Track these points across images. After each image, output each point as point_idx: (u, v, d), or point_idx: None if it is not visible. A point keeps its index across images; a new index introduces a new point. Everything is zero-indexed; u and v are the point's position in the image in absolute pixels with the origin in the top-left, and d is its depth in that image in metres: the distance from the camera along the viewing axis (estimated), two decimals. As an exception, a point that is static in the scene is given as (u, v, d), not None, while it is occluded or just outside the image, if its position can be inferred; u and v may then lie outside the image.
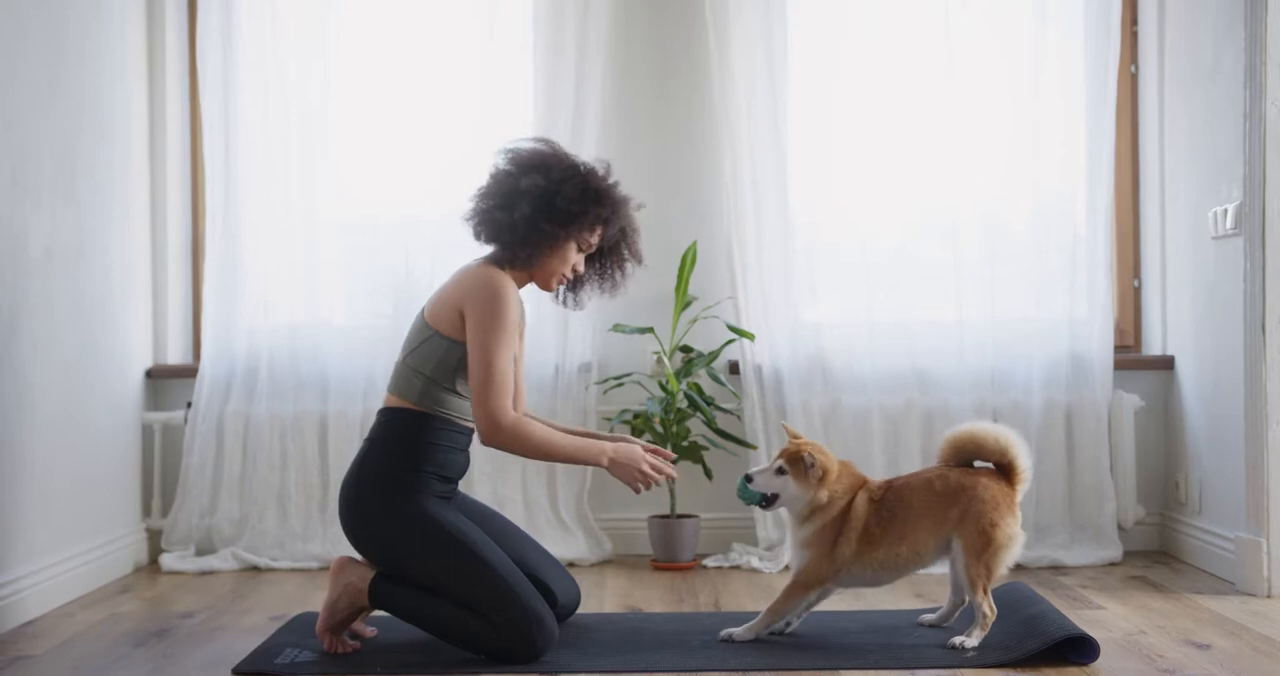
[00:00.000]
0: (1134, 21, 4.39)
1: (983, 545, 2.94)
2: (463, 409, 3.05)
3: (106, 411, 4.04)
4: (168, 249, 4.40)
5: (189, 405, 4.31)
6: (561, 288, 3.20)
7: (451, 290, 3.04)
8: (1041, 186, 4.27)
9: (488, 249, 3.13)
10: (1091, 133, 4.23)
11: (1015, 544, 2.97)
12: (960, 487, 2.98)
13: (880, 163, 4.30)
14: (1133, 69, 4.41)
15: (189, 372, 4.34)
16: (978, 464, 3.07)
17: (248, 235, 4.31)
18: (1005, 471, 3.02)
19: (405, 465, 2.99)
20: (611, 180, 3.11)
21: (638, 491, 3.06)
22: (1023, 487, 3.03)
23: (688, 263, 4.17)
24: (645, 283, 4.23)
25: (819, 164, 4.30)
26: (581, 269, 3.13)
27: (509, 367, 2.96)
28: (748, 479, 3.05)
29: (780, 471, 3.03)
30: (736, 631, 3.04)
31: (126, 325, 4.19)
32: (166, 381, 4.40)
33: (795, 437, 3.10)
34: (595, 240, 3.10)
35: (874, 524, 3.00)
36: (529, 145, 3.11)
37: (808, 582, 3.02)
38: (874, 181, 4.29)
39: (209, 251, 4.33)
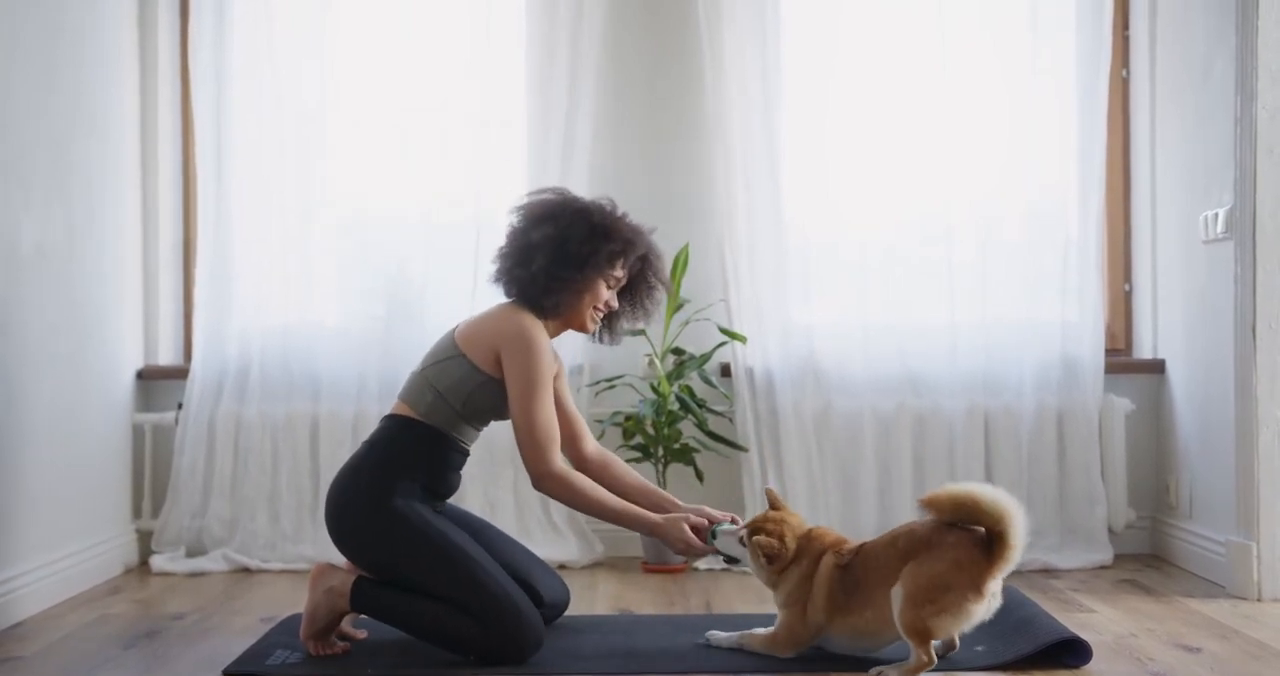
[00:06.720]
0: (1125, 26, 4.40)
1: (924, 600, 2.61)
2: (465, 432, 3.07)
3: (97, 412, 4.03)
4: (159, 249, 4.39)
5: (180, 406, 4.30)
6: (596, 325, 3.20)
7: (488, 327, 3.04)
8: (1034, 189, 4.28)
9: None
10: (1083, 136, 4.24)
11: (963, 618, 2.63)
12: (925, 544, 2.68)
13: (873, 165, 4.30)
14: (1124, 73, 4.42)
15: (180, 373, 4.33)
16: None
17: (239, 235, 4.30)
18: (992, 541, 2.65)
19: (399, 474, 2.99)
20: (619, 213, 3.11)
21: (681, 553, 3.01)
22: (1005, 567, 2.64)
23: (680, 265, 4.17)
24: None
25: (812, 166, 4.30)
26: (616, 304, 3.15)
27: (551, 417, 2.98)
28: (713, 535, 2.99)
29: (744, 542, 2.94)
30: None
31: (117, 325, 4.18)
32: (157, 382, 4.38)
33: (776, 507, 2.94)
34: (620, 274, 3.11)
35: (839, 591, 2.78)
36: (537, 198, 3.13)
37: (785, 643, 2.87)
38: (867, 184, 4.30)
39: (200, 251, 4.32)
